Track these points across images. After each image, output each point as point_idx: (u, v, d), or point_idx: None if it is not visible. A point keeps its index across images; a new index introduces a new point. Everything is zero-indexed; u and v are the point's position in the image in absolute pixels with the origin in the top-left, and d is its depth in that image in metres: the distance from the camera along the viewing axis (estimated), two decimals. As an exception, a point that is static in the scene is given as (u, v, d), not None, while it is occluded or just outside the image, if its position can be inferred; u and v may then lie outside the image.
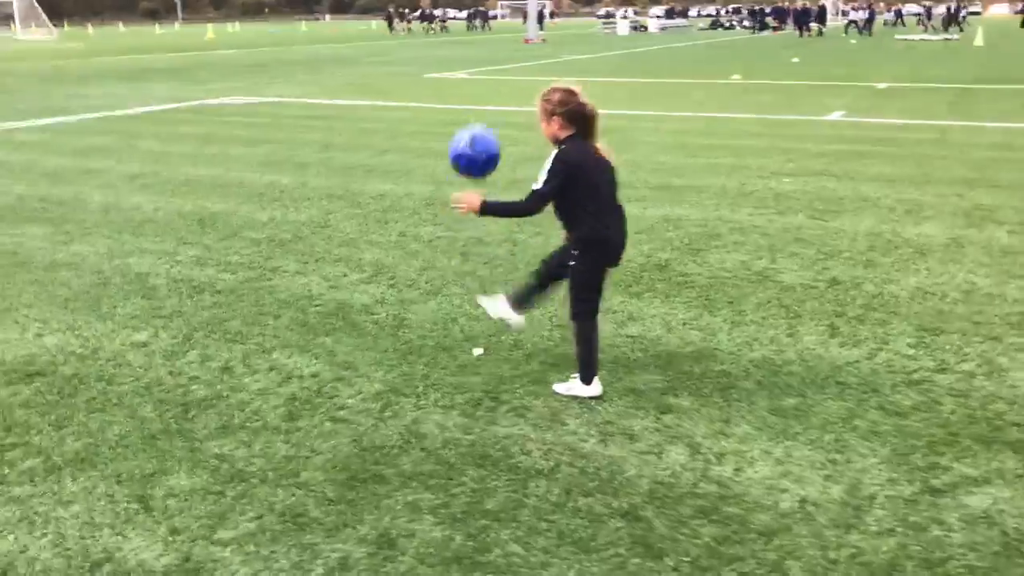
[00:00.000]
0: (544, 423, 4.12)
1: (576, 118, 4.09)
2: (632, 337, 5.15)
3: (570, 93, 4.10)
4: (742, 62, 29.52)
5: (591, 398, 4.34)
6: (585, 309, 4.27)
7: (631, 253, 5.85)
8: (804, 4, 52.97)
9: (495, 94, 19.75)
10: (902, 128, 13.39)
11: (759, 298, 5.83)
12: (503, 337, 5.16)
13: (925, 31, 51.64)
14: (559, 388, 4.44)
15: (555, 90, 4.13)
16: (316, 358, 4.92)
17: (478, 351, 4.97)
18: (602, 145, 4.22)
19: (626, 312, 5.58)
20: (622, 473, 3.66)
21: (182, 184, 9.95)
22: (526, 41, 47.71)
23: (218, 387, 4.56)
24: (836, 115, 15.03)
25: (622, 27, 61.65)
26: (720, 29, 66.89)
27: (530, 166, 6.31)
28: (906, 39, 45.00)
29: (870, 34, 48.81)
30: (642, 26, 64.68)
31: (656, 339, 5.12)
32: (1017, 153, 11.02)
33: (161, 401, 4.40)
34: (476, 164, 4.18)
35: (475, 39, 56.10)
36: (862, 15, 51.44)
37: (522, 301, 4.67)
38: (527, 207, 4.09)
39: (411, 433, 4.04)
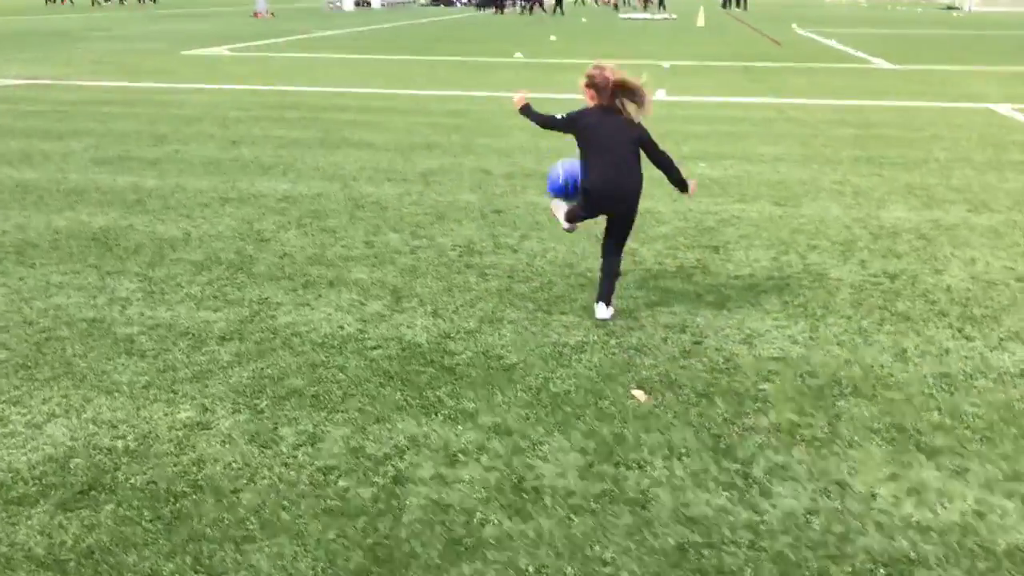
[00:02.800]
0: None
1: (601, 89, 4.83)
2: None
3: (601, 70, 4.86)
4: (504, 41, 29.48)
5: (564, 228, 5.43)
6: (572, 216, 5.25)
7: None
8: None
9: (309, 73, 18.16)
10: (729, 106, 13.69)
11: (842, 302, 5.47)
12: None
13: (645, 10, 54.60)
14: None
15: (595, 68, 4.89)
16: (458, 422, 3.90)
17: (639, 394, 4.19)
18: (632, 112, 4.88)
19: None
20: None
21: (16, 191, 8.02)
22: (255, 15, 45.23)
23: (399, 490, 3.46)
24: (660, 93, 15.16)
25: (347, 3, 60.07)
26: (442, 6, 66.95)
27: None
28: (631, 17, 47.36)
29: (562, 13, 50.61)
30: (366, 2, 63.39)
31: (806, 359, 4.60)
32: (863, 130, 11.56)
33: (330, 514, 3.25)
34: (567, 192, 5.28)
35: (194, 11, 52.11)
36: None
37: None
38: (550, 121, 5.07)
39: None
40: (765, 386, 4.25)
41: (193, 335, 4.83)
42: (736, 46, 26.75)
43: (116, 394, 4.12)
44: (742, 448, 3.68)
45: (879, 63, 21.49)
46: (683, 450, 3.67)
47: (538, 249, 6.45)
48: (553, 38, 30.55)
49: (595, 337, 4.82)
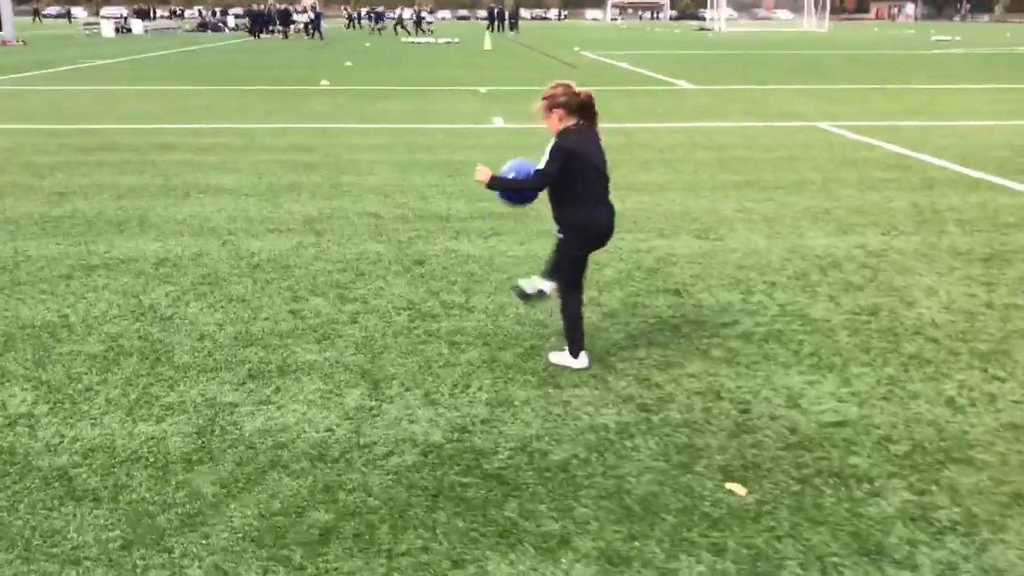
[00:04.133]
0: None
1: (574, 107, 4.46)
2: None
3: (567, 87, 4.48)
4: (300, 67, 28.26)
5: (579, 369, 4.69)
6: (570, 289, 4.66)
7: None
8: (272, 6, 54.50)
9: (109, 108, 16.22)
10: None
11: (850, 347, 5.14)
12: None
13: (411, 34, 54.71)
14: (553, 357, 4.82)
15: (555, 86, 4.50)
16: (555, 553, 3.13)
17: (736, 487, 3.58)
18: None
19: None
20: None
21: None
22: (3, 43, 41.26)
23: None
24: (498, 122, 14.74)
25: (107, 28, 56.02)
26: (209, 32, 63.95)
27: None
28: (415, 42, 47.08)
29: (322, 37, 50.10)
30: (126, 28, 59.44)
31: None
32: (719, 152, 11.64)
33: None
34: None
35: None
36: (309, 16, 52.55)
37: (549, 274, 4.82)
38: (534, 184, 4.48)
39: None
40: (856, 460, 3.79)
41: (147, 460, 3.77)
42: (537, 70, 26.92)
43: (86, 572, 3.05)
44: (895, 549, 3.19)
45: (682, 84, 22.20)
46: (835, 558, 3.12)
47: (492, 307, 5.74)
48: (349, 64, 29.61)
49: (631, 415, 4.20)
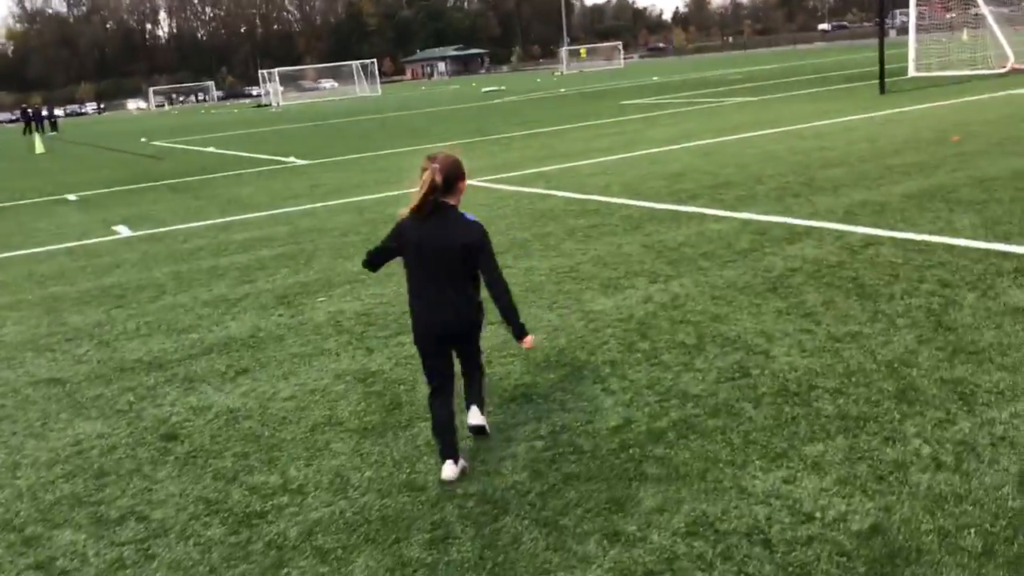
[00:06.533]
0: None
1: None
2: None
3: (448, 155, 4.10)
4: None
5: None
6: (429, 387, 4.30)
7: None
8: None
9: None
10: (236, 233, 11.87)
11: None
12: None
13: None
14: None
15: (439, 158, 4.03)
16: None
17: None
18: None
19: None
20: None
21: None
22: None
23: None
24: (124, 232, 12.54)
25: None
26: None
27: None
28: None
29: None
30: None
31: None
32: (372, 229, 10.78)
33: None
34: None
35: None
36: None
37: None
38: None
39: None
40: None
41: None
42: (117, 168, 24.17)
43: None
44: None
45: (294, 161, 21.06)
46: None
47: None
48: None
49: None
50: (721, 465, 4.02)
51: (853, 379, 4.84)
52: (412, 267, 4.13)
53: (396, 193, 13.69)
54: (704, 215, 9.60)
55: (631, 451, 4.26)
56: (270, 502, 4.13)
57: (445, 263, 4.02)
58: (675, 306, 6.47)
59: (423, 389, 4.69)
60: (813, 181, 10.91)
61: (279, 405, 5.30)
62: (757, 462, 4.02)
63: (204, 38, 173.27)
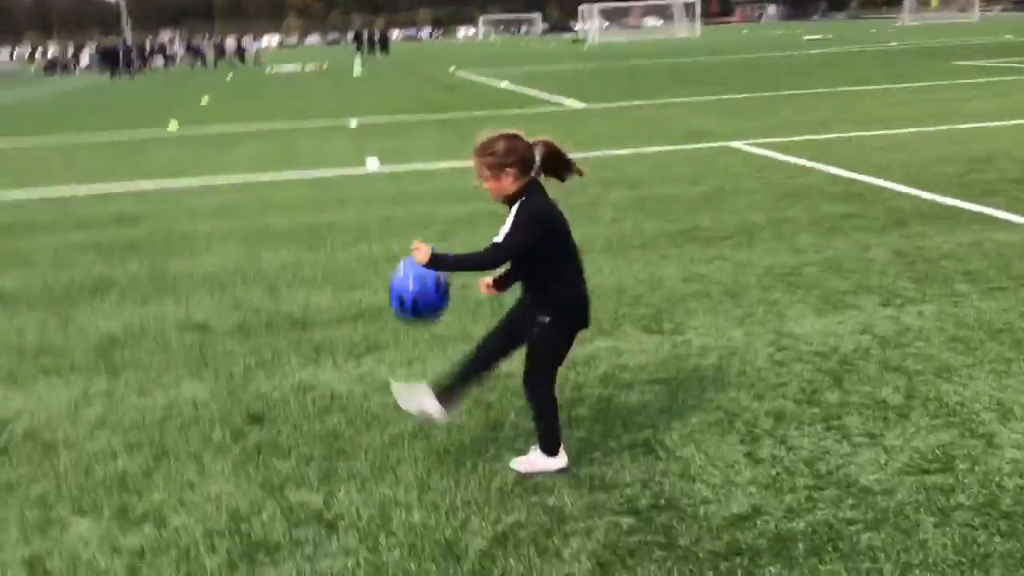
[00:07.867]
0: None
1: (531, 165, 3.63)
2: None
3: (515, 138, 3.63)
4: (144, 110, 25.51)
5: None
6: (547, 379, 3.78)
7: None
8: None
9: None
10: (455, 174, 11.43)
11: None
12: None
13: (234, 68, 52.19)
14: (519, 465, 3.81)
15: (498, 139, 3.60)
16: None
17: None
18: None
19: None
20: None
21: None
22: None
23: None
24: (373, 165, 12.57)
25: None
26: (57, 73, 59.41)
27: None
28: (281, 72, 44.39)
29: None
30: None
31: None
32: (635, 190, 9.79)
33: None
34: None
35: None
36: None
37: (455, 391, 3.84)
38: (485, 259, 3.66)
39: None
40: None
41: None
42: (410, 96, 24.85)
43: None
44: None
45: (571, 103, 20.43)
46: None
47: (374, 514, 3.61)
48: (205, 100, 26.95)
49: None
50: (850, 616, 2.85)
51: (1106, 508, 3.36)
52: (572, 246, 3.76)
53: (626, 152, 12.64)
54: (993, 219, 7.75)
55: (736, 560, 3.16)
56: (291, 534, 3.49)
57: None
58: (897, 344, 5.06)
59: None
60: None
61: (379, 400, 4.64)
62: (905, 623, 2.80)
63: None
